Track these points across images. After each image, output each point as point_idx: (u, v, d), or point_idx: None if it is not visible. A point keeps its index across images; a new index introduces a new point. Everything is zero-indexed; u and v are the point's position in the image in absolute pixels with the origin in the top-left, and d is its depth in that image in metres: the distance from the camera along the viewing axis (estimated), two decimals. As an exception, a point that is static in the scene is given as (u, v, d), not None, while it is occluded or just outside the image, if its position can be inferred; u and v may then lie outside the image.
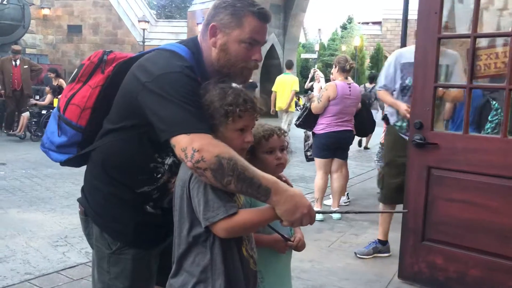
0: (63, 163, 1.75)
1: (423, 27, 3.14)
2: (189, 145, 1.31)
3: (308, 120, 4.94)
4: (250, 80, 8.06)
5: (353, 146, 5.90)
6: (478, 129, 5.44)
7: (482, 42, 3.35)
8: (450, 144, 3.09)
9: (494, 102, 5.52)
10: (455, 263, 3.11)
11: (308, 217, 1.36)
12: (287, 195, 1.34)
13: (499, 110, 5.39)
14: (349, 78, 5.02)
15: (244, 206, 1.50)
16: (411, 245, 3.30)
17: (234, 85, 1.53)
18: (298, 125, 5.10)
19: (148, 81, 1.40)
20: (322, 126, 4.84)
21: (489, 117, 5.33)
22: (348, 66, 4.91)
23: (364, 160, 9.22)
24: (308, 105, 4.99)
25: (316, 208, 4.90)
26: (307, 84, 11.72)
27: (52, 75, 10.64)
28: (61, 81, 10.66)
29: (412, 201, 3.25)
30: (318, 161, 4.94)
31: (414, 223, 3.26)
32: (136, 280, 1.61)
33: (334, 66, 5.02)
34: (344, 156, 5.09)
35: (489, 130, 5.34)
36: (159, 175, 1.57)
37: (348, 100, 4.82)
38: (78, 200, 1.71)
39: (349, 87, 4.85)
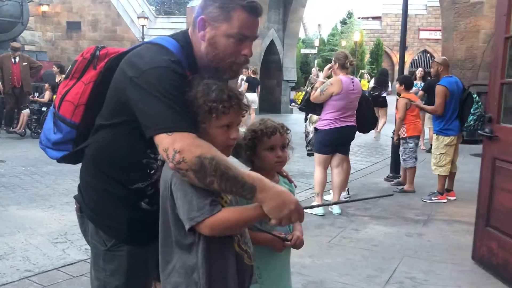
0: (60, 160, 1.75)
1: (497, 28, 3.48)
2: (170, 145, 1.29)
3: (310, 103, 4.95)
4: (254, 76, 8.20)
5: (353, 141, 5.87)
6: (462, 121, 5.47)
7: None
8: (506, 136, 3.32)
9: (475, 95, 5.56)
10: (503, 250, 3.31)
11: (296, 213, 1.34)
12: (274, 191, 1.32)
13: (480, 103, 5.44)
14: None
15: (231, 204, 1.47)
16: (480, 229, 3.60)
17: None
18: (300, 109, 5.28)
19: (135, 76, 1.39)
20: (326, 122, 4.81)
21: (472, 109, 5.38)
22: (348, 64, 4.89)
23: (364, 155, 9.20)
24: (309, 90, 4.97)
25: (316, 203, 4.89)
26: (305, 89, 11.67)
27: (57, 69, 10.58)
28: (64, 77, 10.62)
29: (482, 189, 3.58)
30: (318, 156, 4.92)
31: (482, 209, 3.57)
32: (132, 277, 1.60)
33: (334, 62, 4.98)
34: (346, 151, 5.07)
35: (471, 122, 5.38)
36: (152, 171, 1.55)
37: (352, 95, 4.80)
38: (75, 197, 1.71)
39: (352, 82, 4.84)
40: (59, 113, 1.65)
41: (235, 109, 1.44)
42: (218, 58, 1.49)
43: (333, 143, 4.86)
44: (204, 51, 1.50)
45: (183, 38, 1.54)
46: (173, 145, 1.29)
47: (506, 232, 3.27)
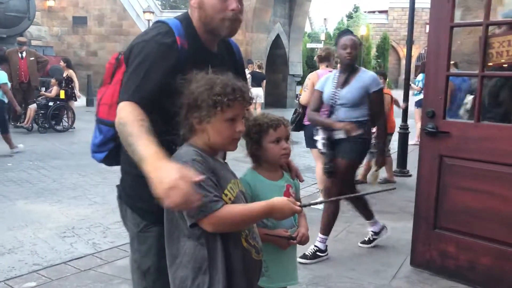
0: (103, 161, 1.80)
1: (435, 15, 3.19)
2: (117, 114, 1.46)
3: (298, 123, 4.94)
4: (259, 71, 8.19)
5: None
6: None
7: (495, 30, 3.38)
8: (461, 132, 3.09)
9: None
10: (466, 251, 3.11)
11: (176, 191, 1.20)
12: (155, 166, 1.27)
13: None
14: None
15: (238, 199, 1.48)
16: (423, 233, 3.31)
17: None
18: (294, 130, 4.87)
19: (126, 53, 1.63)
20: None
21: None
22: (323, 54, 5.03)
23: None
24: (299, 110, 4.96)
25: (322, 198, 4.88)
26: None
27: (64, 64, 10.63)
28: (71, 72, 10.62)
29: (424, 189, 3.28)
30: (313, 151, 4.93)
31: (426, 211, 3.27)
32: (163, 257, 1.61)
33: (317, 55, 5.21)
34: None
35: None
36: (175, 147, 1.56)
37: None
38: (117, 186, 1.81)
39: None
40: (98, 117, 1.75)
41: (240, 101, 1.44)
42: (209, 18, 1.61)
43: None
44: (197, 17, 1.64)
45: (183, 16, 1.70)
46: (118, 113, 1.46)
47: (469, 232, 3.07)
